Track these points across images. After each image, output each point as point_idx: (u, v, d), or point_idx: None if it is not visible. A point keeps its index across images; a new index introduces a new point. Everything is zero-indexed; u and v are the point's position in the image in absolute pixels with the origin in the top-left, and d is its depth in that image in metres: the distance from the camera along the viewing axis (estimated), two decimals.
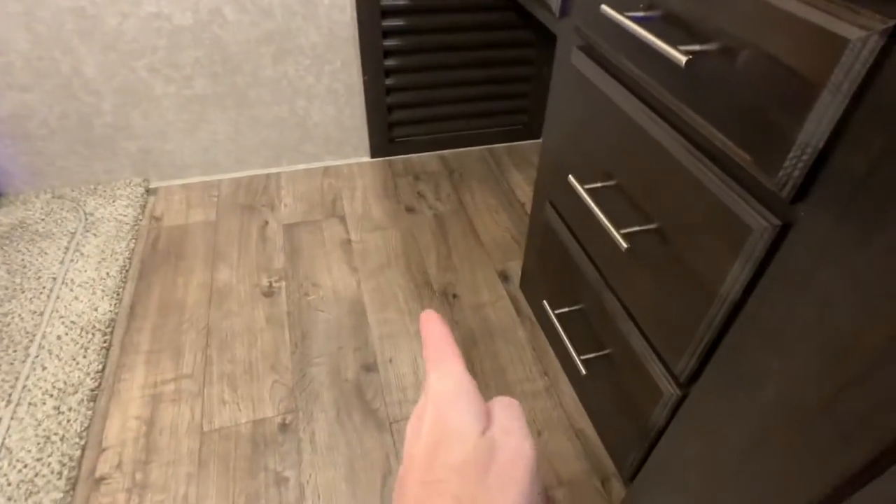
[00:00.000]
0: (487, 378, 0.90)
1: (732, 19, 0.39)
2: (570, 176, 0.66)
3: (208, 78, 1.15)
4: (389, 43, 1.23)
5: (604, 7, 0.53)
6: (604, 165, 0.63)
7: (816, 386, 0.37)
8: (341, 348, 0.94)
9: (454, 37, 1.26)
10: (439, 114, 1.40)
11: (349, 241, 1.17)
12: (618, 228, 0.57)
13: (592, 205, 0.61)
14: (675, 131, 0.50)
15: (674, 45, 0.44)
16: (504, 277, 1.09)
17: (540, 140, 1.54)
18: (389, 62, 1.26)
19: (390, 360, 0.92)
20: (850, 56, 0.32)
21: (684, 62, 0.42)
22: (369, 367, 0.91)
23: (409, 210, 1.26)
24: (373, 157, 1.42)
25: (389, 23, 1.20)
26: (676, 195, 0.50)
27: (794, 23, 0.35)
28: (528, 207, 1.28)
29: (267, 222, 1.20)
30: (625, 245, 0.56)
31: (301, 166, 1.37)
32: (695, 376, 0.54)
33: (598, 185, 0.64)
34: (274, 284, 1.06)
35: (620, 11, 0.51)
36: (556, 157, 0.76)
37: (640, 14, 0.50)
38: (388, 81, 1.29)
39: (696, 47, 0.44)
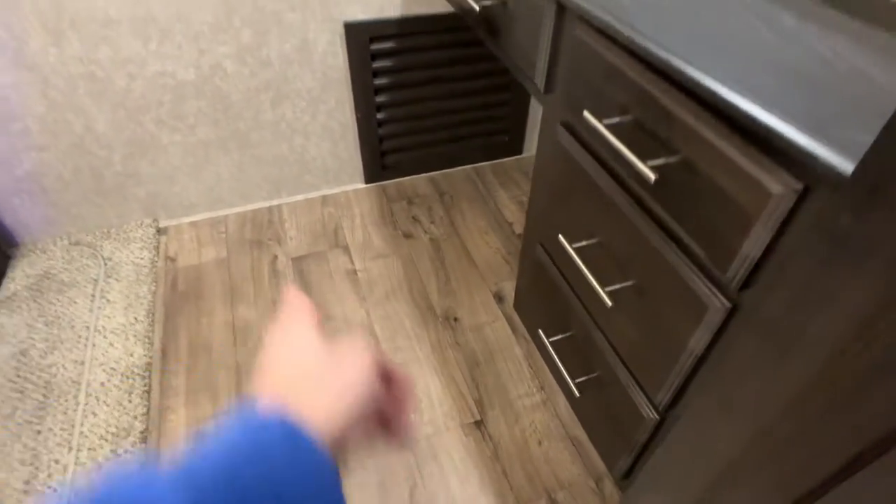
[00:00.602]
0: (492, 394, 1.02)
1: (691, 149, 0.51)
2: (559, 235, 0.78)
3: (211, 125, 1.22)
4: (379, 82, 1.31)
5: (586, 114, 0.64)
6: (587, 226, 0.75)
7: (771, 423, 0.50)
8: None
9: (437, 71, 1.35)
10: (427, 140, 1.50)
11: (355, 271, 1.27)
12: (602, 286, 0.69)
13: (580, 263, 0.73)
14: (646, 214, 0.62)
15: (644, 157, 0.55)
16: (499, 298, 1.21)
17: (521, 156, 1.66)
18: (379, 98, 1.34)
19: None
20: (773, 203, 0.44)
21: (653, 179, 0.54)
22: None
23: (407, 236, 1.36)
24: (367, 182, 1.51)
25: (378, 64, 1.28)
26: (649, 264, 0.63)
27: (736, 167, 0.47)
28: (516, 228, 1.39)
29: (276, 256, 1.30)
30: (609, 303, 0.68)
31: (300, 196, 1.46)
32: (672, 404, 0.67)
33: (584, 243, 0.76)
34: None
35: (600, 119, 0.62)
36: (545, 211, 0.88)
37: (616, 120, 0.62)
38: (379, 116, 1.38)
39: (662, 161, 0.55)
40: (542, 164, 0.86)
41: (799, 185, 0.42)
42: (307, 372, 0.27)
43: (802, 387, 0.40)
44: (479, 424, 0.98)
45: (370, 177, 1.51)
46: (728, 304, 0.52)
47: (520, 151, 1.65)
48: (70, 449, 0.91)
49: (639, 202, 0.63)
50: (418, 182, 1.54)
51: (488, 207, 1.46)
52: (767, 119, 0.40)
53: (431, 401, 1.01)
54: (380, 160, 1.48)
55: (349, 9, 1.17)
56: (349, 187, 1.50)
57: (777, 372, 0.44)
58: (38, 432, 0.93)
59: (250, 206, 1.41)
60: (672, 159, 0.54)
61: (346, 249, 1.32)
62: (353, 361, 0.27)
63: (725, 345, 0.55)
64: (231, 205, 1.39)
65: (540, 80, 0.81)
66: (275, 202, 1.44)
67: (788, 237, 0.45)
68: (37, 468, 0.88)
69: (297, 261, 1.29)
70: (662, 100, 0.52)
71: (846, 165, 0.35)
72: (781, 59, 0.47)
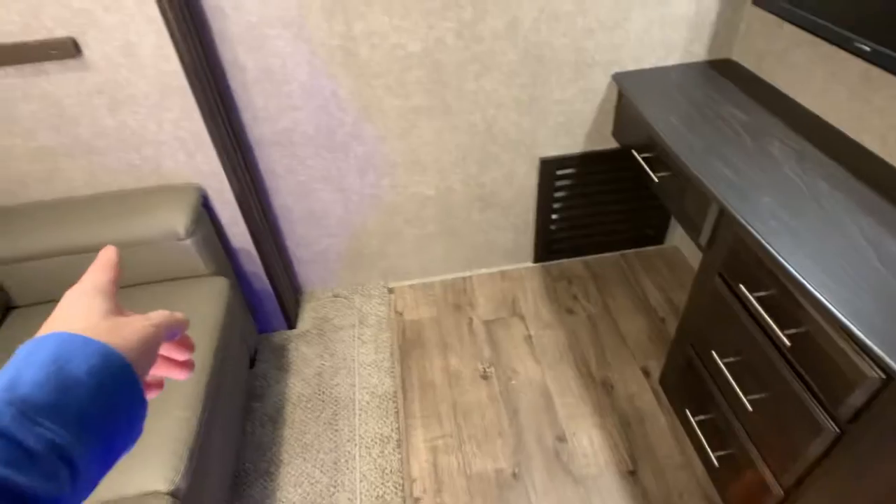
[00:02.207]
0: (641, 451, 1.37)
1: (814, 328, 0.85)
2: (712, 350, 1.12)
3: (438, 223, 1.71)
4: (557, 195, 1.73)
5: (741, 286, 0.99)
6: (733, 346, 1.09)
7: None
8: (540, 423, 1.45)
9: (602, 186, 1.74)
10: (586, 231, 1.88)
11: (530, 337, 1.68)
12: (745, 393, 1.03)
13: (729, 376, 1.07)
14: (782, 357, 0.95)
15: (782, 325, 0.90)
16: (646, 373, 1.56)
17: (663, 245, 1.98)
18: (556, 205, 1.76)
19: (574, 434, 1.42)
20: (868, 382, 0.77)
21: (788, 345, 0.88)
22: (561, 438, 1.41)
23: (569, 311, 1.76)
24: (535, 262, 1.93)
25: (559, 183, 1.70)
26: (782, 387, 0.96)
27: (845, 353, 0.80)
28: (659, 312, 1.73)
29: (471, 319, 1.75)
30: (750, 408, 1.01)
31: (485, 270, 1.91)
32: (795, 484, 0.98)
33: (731, 359, 1.10)
34: (487, 370, 1.59)
35: (751, 291, 0.97)
36: (698, 327, 1.22)
37: (763, 293, 0.96)
38: (553, 216, 1.79)
39: (794, 331, 0.89)
40: (698, 295, 1.21)
41: (883, 376, 0.75)
42: (86, 322, 0.32)
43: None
44: (632, 473, 1.33)
45: (538, 257, 1.92)
46: (837, 431, 0.85)
47: (661, 242, 1.98)
48: (356, 445, 1.40)
49: (774, 342, 0.96)
50: (575, 265, 1.93)
51: (635, 292, 1.81)
52: (862, 336, 0.73)
53: (594, 449, 1.39)
54: (547, 246, 1.89)
55: (545, 149, 1.60)
56: (521, 265, 1.93)
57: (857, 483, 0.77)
58: (336, 430, 1.43)
59: (450, 276, 1.89)
60: (801, 330, 0.88)
61: (522, 318, 1.74)
62: (132, 323, 0.33)
63: (834, 455, 0.87)
64: (436, 274, 1.88)
65: (703, 240, 1.17)
66: (467, 274, 1.90)
67: (878, 401, 0.77)
68: (337, 455, 1.38)
69: (487, 323, 1.73)
70: (793, 291, 0.86)
71: None
72: (882, 288, 0.79)
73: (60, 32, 1.01)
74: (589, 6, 1.31)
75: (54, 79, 1.06)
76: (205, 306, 1.21)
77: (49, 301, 1.28)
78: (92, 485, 0.29)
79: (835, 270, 0.84)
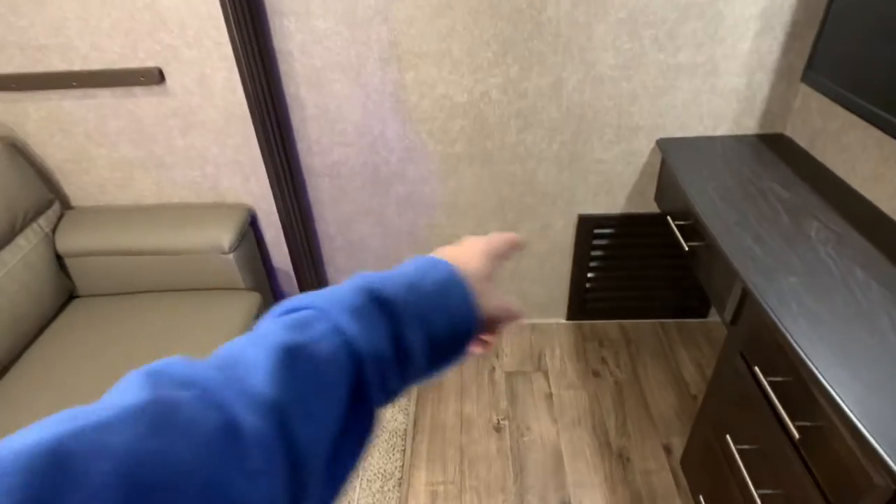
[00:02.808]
0: None
1: (826, 422, 0.79)
2: (727, 435, 1.06)
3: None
4: (594, 253, 1.71)
5: (756, 368, 0.94)
6: (748, 432, 1.02)
7: None
8: (546, 485, 1.40)
9: (642, 249, 1.70)
10: (623, 293, 1.84)
11: (550, 395, 1.64)
12: (756, 487, 0.95)
13: (741, 464, 1.00)
14: (795, 451, 0.88)
15: (793, 416, 0.84)
16: (667, 450, 1.47)
17: (706, 319, 1.89)
18: (592, 263, 1.74)
19: (580, 503, 1.35)
20: (878, 492, 0.70)
21: (797, 437, 0.82)
22: None
23: (595, 374, 1.70)
24: (568, 319, 1.90)
25: (596, 241, 1.69)
26: (795, 484, 0.88)
27: (853, 453, 0.73)
28: (691, 388, 1.64)
29: (494, 368, 1.74)
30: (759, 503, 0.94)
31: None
32: None
33: (746, 446, 1.02)
34: (501, 422, 1.56)
35: (766, 375, 0.91)
36: (718, 409, 1.15)
37: (779, 378, 0.90)
38: (589, 275, 1.77)
39: (807, 423, 0.83)
40: (721, 373, 1.14)
41: (893, 486, 0.68)
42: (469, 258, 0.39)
43: None
44: None
45: (571, 315, 1.89)
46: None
47: (705, 315, 1.89)
48: (357, 476, 1.41)
49: (787, 433, 0.90)
50: (610, 327, 1.88)
51: (669, 364, 1.73)
52: (872, 441, 0.68)
53: None
54: (582, 304, 1.86)
55: (584, 206, 1.61)
56: (553, 320, 1.90)
57: None
58: None
59: None
60: (813, 424, 0.82)
61: (546, 375, 1.71)
62: (492, 294, 0.39)
63: None
64: None
65: (727, 316, 1.12)
66: None
67: None
68: None
69: (509, 375, 1.71)
70: (806, 380, 0.81)
71: None
72: None
73: (150, 63, 1.17)
74: (634, 72, 1.34)
75: (140, 101, 1.22)
76: (234, 316, 1.30)
77: (106, 294, 1.42)
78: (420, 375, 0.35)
79: (855, 365, 0.78)
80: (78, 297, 1.43)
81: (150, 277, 1.39)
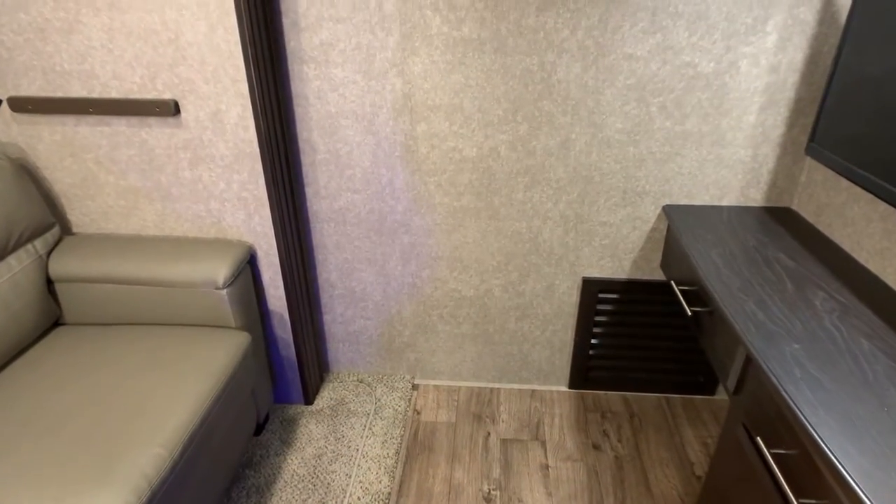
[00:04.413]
0: None
1: (831, 500, 0.71)
2: None
3: (472, 325, 1.69)
4: (598, 318, 1.67)
5: (758, 439, 0.87)
6: None
7: None
8: None
9: (648, 318, 1.65)
10: (628, 364, 1.77)
11: (547, 467, 1.53)
12: None
13: None
14: None
15: (799, 493, 0.76)
16: None
17: (713, 397, 1.80)
18: (596, 329, 1.69)
19: None
20: None
21: None
22: None
23: (595, 447, 1.60)
24: (570, 387, 1.82)
25: (601, 307, 1.64)
26: None
27: None
28: (696, 469, 1.53)
29: (489, 434, 1.64)
30: None
31: (516, 386, 1.82)
32: None
33: None
34: (492, 492, 1.45)
35: (769, 447, 0.85)
36: (721, 490, 1.07)
37: (782, 451, 0.83)
38: (593, 341, 1.71)
39: (813, 501, 0.75)
40: (723, 447, 1.07)
41: None
42: None
43: None
44: None
45: (573, 384, 1.81)
46: None
47: (712, 392, 1.81)
48: None
49: None
50: (613, 398, 1.79)
51: (673, 441, 1.63)
52: None
53: None
54: (585, 372, 1.79)
55: (588, 269, 1.58)
56: (554, 388, 1.82)
57: None
58: None
59: (477, 384, 1.82)
60: (819, 502, 0.74)
61: (543, 444, 1.61)
62: None
63: None
64: (465, 379, 1.82)
65: (730, 384, 1.06)
66: (496, 385, 1.82)
67: None
68: None
69: (504, 442, 1.61)
70: (811, 451, 0.74)
71: None
72: None
73: (167, 95, 1.21)
74: (641, 137, 1.36)
75: (153, 131, 1.25)
76: (217, 352, 1.24)
77: (92, 323, 1.37)
78: None
79: (862, 437, 0.72)
80: (64, 324, 1.39)
81: (140, 309, 1.35)
